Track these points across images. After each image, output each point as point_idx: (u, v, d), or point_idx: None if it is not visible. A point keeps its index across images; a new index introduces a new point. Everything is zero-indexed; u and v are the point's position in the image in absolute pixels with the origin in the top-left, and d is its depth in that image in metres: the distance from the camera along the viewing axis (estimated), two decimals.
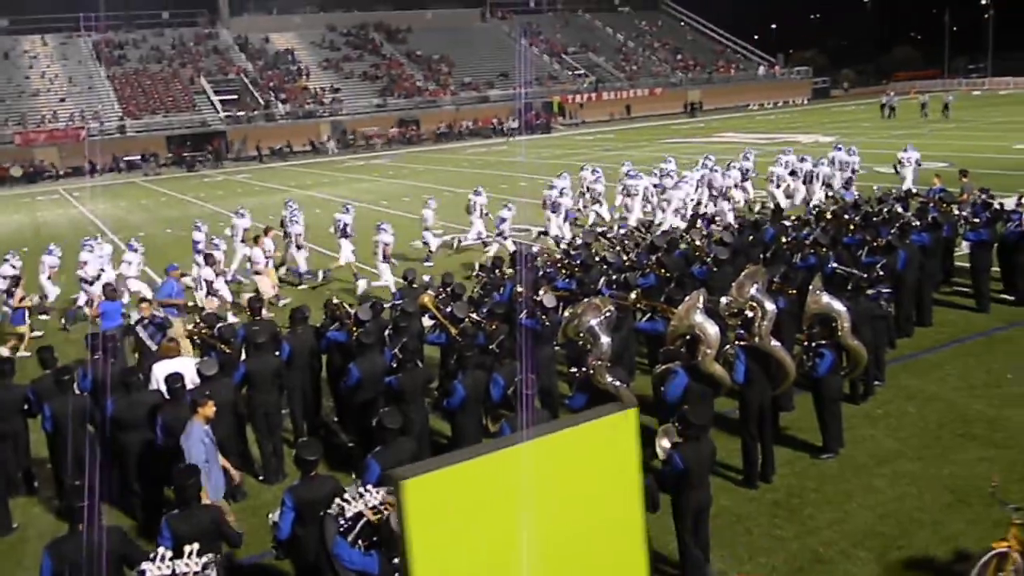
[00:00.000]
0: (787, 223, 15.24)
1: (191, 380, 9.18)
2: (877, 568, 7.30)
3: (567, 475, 3.51)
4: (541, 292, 11.12)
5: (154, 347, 11.46)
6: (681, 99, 72.24)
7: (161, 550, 5.73)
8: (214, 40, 70.77)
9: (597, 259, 13.59)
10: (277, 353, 10.28)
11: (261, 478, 9.82)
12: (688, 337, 8.71)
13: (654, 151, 38.33)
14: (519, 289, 11.45)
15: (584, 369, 8.37)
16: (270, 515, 6.83)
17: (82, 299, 17.14)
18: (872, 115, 53.42)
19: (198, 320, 11.62)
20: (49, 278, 18.11)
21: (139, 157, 55.43)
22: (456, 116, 64.68)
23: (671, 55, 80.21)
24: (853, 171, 23.24)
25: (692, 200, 21.29)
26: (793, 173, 22.90)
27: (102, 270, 17.22)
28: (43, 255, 18.46)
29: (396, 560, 5.10)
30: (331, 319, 11.09)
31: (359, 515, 5.95)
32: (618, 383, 8.29)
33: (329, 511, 6.08)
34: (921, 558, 7.36)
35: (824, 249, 12.78)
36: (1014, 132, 38.64)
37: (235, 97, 63.19)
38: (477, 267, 14.62)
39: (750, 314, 8.94)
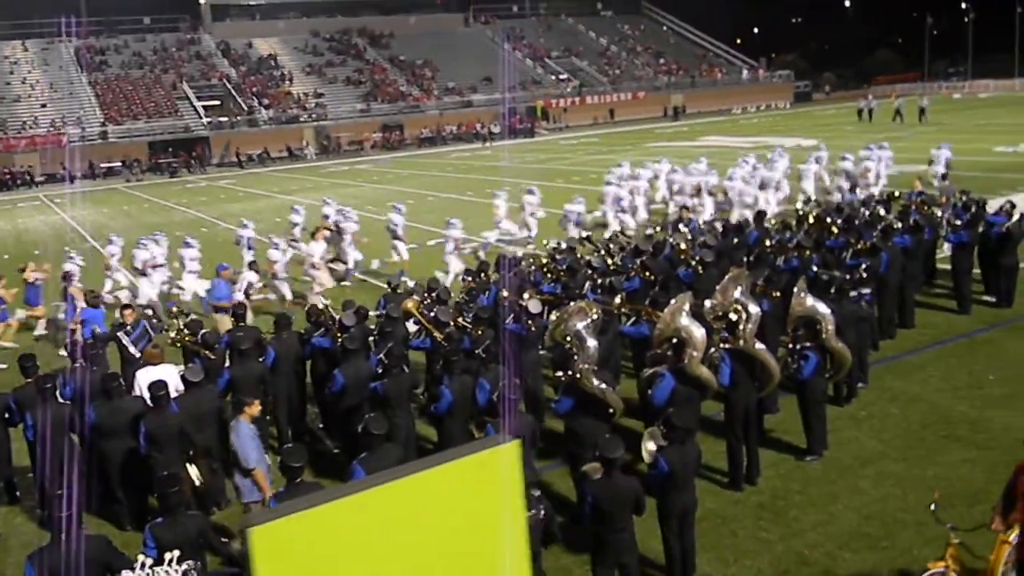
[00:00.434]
0: (769, 226, 15.32)
1: (175, 387, 9.13)
2: (862, 569, 7.33)
3: (442, 514, 3.13)
4: (526, 297, 11.13)
5: (137, 354, 11.39)
6: (664, 103, 72.50)
7: (142, 558, 5.68)
8: (196, 45, 70.48)
9: (582, 263, 13.61)
10: (261, 359, 10.24)
11: None
12: (674, 340, 8.73)
13: (639, 155, 38.41)
14: (504, 294, 11.45)
15: (570, 373, 8.38)
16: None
17: (152, 293, 17.12)
18: (854, 119, 53.74)
19: (182, 327, 11.55)
20: (114, 267, 18.70)
21: (118, 164, 54.97)
22: (440, 121, 64.65)
23: (654, 59, 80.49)
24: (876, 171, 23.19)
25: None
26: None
27: (160, 265, 17.47)
28: (107, 245, 19.29)
29: None
30: (315, 325, 11.05)
31: None
32: (604, 386, 8.30)
33: None
34: (906, 559, 7.39)
35: (807, 252, 12.84)
36: (994, 134, 38.96)
37: (218, 103, 62.94)
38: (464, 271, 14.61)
39: (734, 317, 8.97)
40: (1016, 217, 14.13)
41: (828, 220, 14.79)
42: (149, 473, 8.33)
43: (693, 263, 12.91)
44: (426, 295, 12.08)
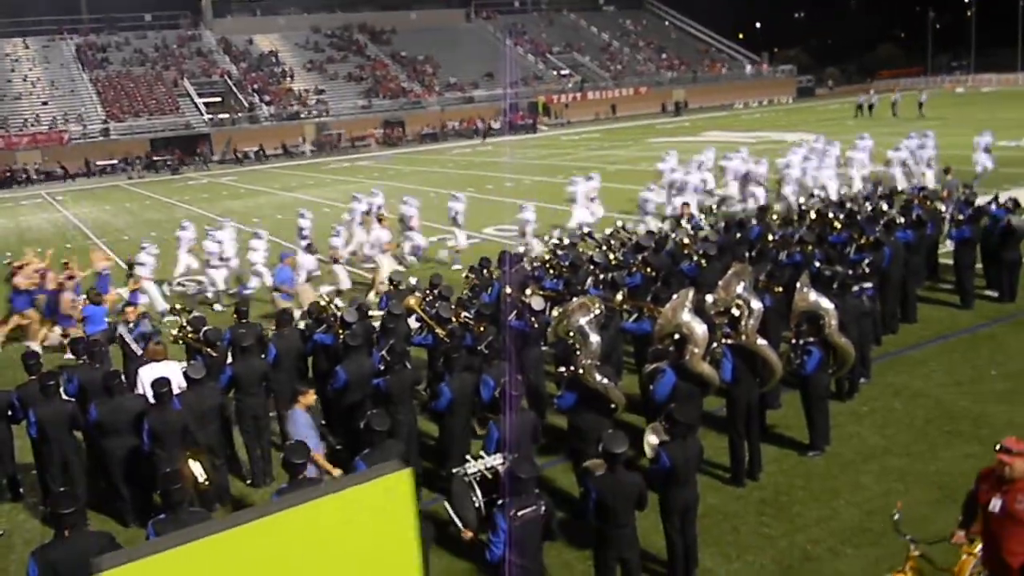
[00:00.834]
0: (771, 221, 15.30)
1: (177, 384, 9.14)
2: (865, 564, 7.33)
3: (326, 549, 2.90)
4: (528, 293, 11.12)
5: (139, 351, 11.40)
6: (666, 98, 72.40)
7: None
8: (197, 42, 70.44)
9: (584, 259, 13.61)
10: (263, 356, 10.25)
11: (249, 482, 9.78)
12: (676, 336, 8.73)
13: (641, 150, 38.35)
14: (507, 290, 11.44)
15: (573, 368, 8.37)
16: None
17: (220, 280, 17.56)
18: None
19: (184, 324, 11.56)
20: (189, 251, 19.17)
21: (117, 162, 54.86)
22: (441, 117, 64.61)
23: (655, 54, 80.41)
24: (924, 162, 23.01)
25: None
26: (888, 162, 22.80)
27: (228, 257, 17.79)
28: (179, 231, 19.68)
29: None
30: (317, 322, 11.05)
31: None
32: (607, 381, 8.30)
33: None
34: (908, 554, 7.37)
35: (810, 247, 12.83)
36: (997, 128, 38.81)
37: (219, 99, 62.92)
38: (467, 268, 14.58)
39: (737, 312, 8.96)
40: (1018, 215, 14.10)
41: (830, 215, 14.78)
42: (152, 470, 8.34)
43: (696, 256, 12.91)
44: (429, 291, 12.08)
